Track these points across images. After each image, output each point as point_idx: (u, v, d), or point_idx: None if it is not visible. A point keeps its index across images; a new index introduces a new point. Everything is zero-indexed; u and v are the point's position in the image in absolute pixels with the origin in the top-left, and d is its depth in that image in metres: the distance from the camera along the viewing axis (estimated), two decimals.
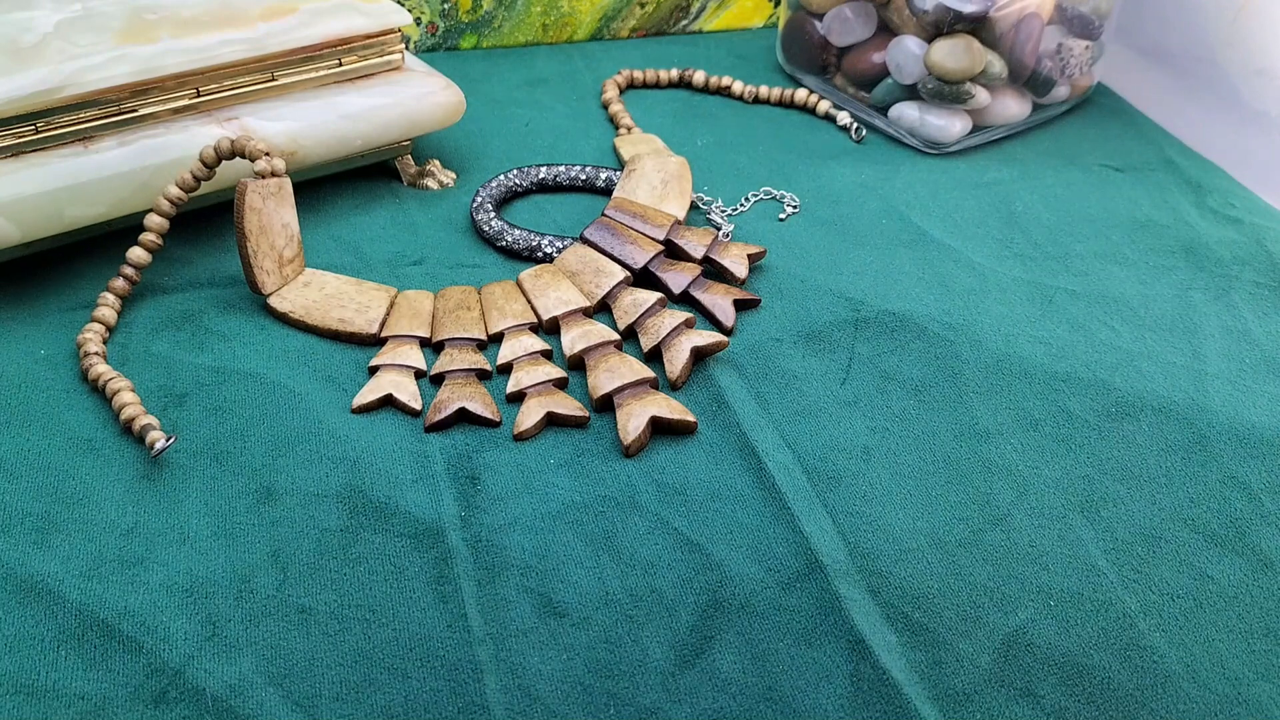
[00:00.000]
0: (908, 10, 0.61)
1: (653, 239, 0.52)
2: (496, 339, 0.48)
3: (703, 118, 0.66)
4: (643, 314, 0.48)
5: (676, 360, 0.46)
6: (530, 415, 0.44)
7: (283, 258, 0.49)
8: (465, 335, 0.47)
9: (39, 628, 0.35)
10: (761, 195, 0.59)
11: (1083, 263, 0.55)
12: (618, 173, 0.58)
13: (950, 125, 0.62)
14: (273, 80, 0.52)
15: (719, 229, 0.55)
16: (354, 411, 0.44)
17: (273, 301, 0.48)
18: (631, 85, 0.69)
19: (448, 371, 0.46)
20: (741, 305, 0.50)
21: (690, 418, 0.44)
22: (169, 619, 0.36)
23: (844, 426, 0.45)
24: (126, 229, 0.51)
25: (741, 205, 0.58)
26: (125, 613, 0.36)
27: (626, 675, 0.35)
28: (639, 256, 0.51)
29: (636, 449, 0.43)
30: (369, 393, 0.45)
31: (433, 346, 0.48)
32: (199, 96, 0.51)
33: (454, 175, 0.60)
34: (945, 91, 0.61)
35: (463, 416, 0.44)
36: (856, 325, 0.50)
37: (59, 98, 0.46)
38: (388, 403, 0.45)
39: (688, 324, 0.47)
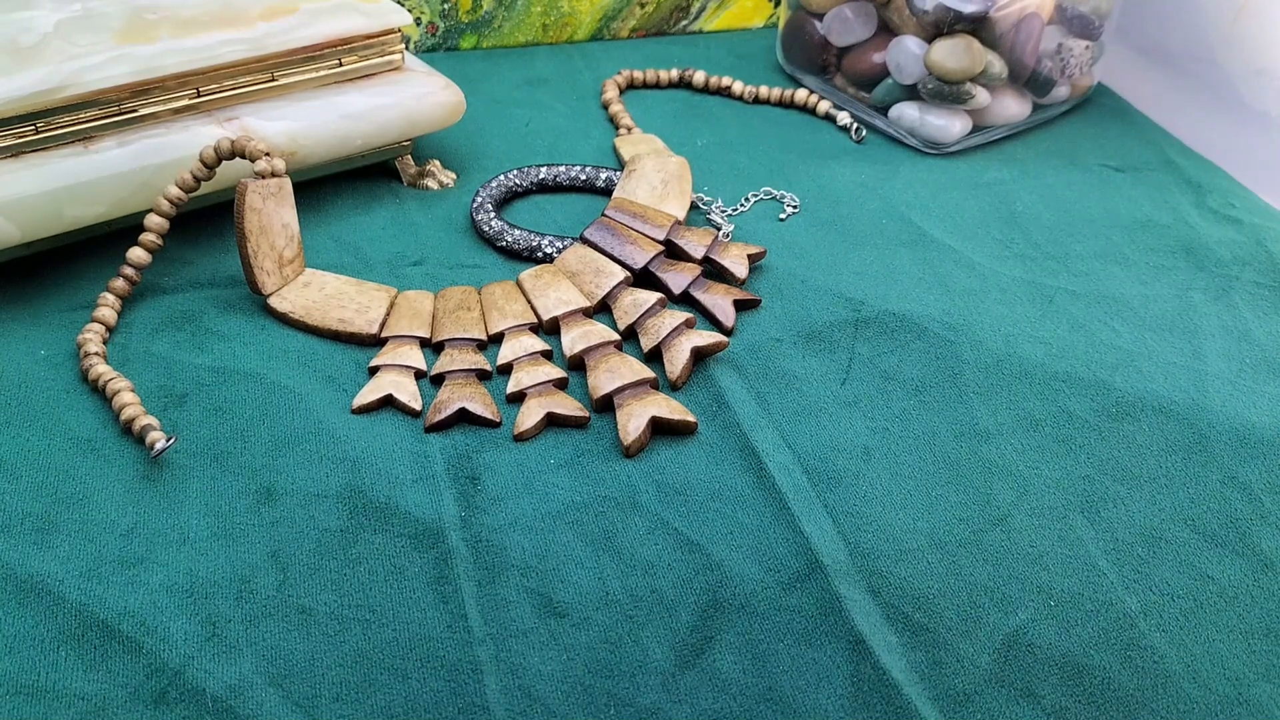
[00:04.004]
0: (908, 10, 0.61)
1: (653, 239, 0.52)
2: (496, 339, 0.48)
3: (703, 118, 0.66)
4: (643, 314, 0.48)
5: (676, 360, 0.46)
6: (530, 415, 0.44)
7: (283, 258, 0.49)
8: (465, 335, 0.47)
9: (39, 628, 0.35)
10: (761, 195, 0.59)
11: (1083, 263, 0.55)
12: (618, 173, 0.58)
13: (950, 125, 0.62)
14: (273, 80, 0.52)
15: (719, 229, 0.55)
16: (354, 412, 0.44)
17: (273, 302, 0.48)
18: (631, 85, 0.69)
19: (448, 372, 0.46)
20: (741, 305, 0.50)
21: (690, 418, 0.44)
22: (169, 619, 0.36)
23: (844, 426, 0.45)
24: (126, 229, 0.51)
25: (741, 205, 0.58)
26: (125, 613, 0.36)
27: (626, 675, 0.35)
28: (639, 257, 0.51)
29: (636, 449, 0.43)
30: (369, 393, 0.45)
31: (433, 347, 0.48)
32: (199, 96, 0.51)
33: (454, 175, 0.60)
34: (945, 91, 0.61)
35: (463, 417, 0.44)
36: (856, 325, 0.50)
37: (59, 98, 0.46)
38: (388, 403, 0.45)
39: (688, 324, 0.47)
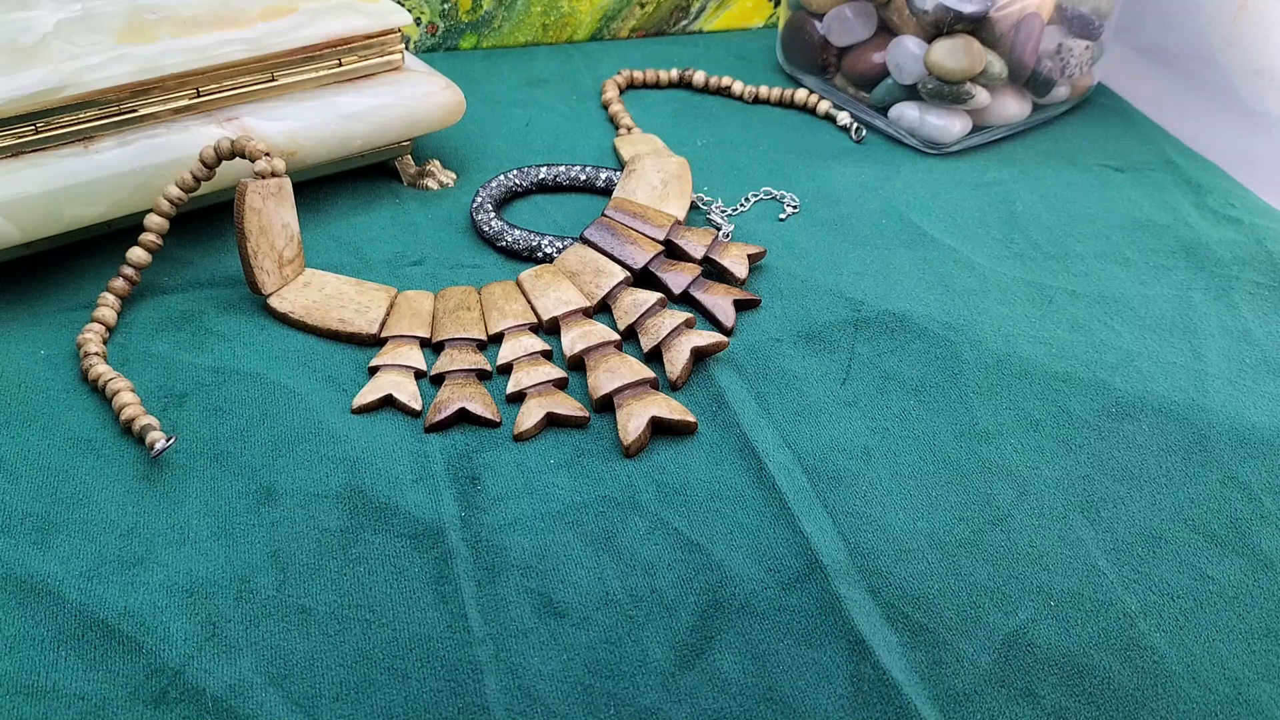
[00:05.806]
0: (908, 10, 0.61)
1: (653, 239, 0.52)
2: (496, 339, 0.48)
3: (703, 118, 0.66)
4: (643, 314, 0.48)
5: (676, 360, 0.46)
6: (530, 415, 0.44)
7: (283, 258, 0.49)
8: (465, 335, 0.47)
9: (39, 628, 0.35)
10: (761, 195, 0.59)
11: (1083, 263, 0.55)
12: (618, 173, 0.58)
13: (950, 125, 0.62)
14: (273, 80, 0.52)
15: (719, 229, 0.55)
16: (354, 412, 0.44)
17: (273, 302, 0.48)
18: (631, 85, 0.69)
19: (448, 372, 0.46)
20: (741, 305, 0.50)
21: (690, 418, 0.44)
22: (169, 619, 0.36)
23: (844, 426, 0.45)
24: (126, 229, 0.51)
25: (741, 205, 0.58)
26: (125, 613, 0.36)
27: (626, 675, 0.35)
28: (639, 257, 0.51)
29: (636, 449, 0.43)
30: (369, 393, 0.45)
31: (433, 347, 0.48)
32: (199, 96, 0.51)
33: (454, 175, 0.60)
34: (945, 91, 0.61)
35: (463, 417, 0.44)
36: (856, 325, 0.50)
37: (59, 98, 0.46)
38: (388, 403, 0.45)
39: (688, 324, 0.47)
